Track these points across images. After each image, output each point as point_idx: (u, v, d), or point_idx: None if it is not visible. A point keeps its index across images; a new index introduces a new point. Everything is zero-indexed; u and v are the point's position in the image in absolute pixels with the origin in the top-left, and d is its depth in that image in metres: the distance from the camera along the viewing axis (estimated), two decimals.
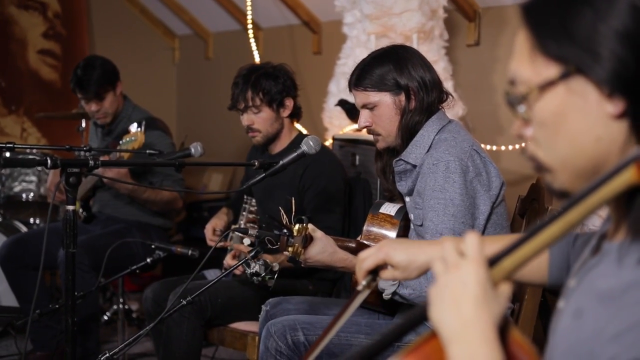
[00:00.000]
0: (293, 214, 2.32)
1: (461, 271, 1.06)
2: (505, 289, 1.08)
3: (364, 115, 2.58)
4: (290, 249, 2.31)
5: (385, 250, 1.67)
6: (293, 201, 2.37)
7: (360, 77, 2.55)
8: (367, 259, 1.67)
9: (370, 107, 2.55)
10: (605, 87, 1.01)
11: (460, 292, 1.04)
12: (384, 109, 2.53)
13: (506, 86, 1.12)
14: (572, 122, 1.05)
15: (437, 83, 2.55)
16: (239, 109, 3.30)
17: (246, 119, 3.30)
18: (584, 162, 1.06)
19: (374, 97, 2.53)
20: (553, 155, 1.08)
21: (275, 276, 2.72)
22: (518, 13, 1.10)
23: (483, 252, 1.07)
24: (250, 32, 5.20)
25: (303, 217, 2.30)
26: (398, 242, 1.74)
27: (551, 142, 1.08)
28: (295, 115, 3.38)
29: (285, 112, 3.31)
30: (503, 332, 1.07)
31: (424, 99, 2.50)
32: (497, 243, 1.63)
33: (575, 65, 1.03)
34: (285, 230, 2.30)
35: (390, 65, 2.51)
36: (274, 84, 3.25)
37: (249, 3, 5.12)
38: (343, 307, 1.69)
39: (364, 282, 1.67)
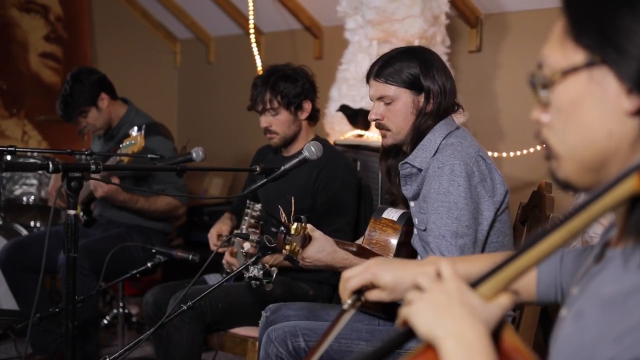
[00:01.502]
0: (292, 213, 2.31)
1: (442, 286, 1.08)
2: (503, 300, 1.08)
3: (377, 107, 2.54)
4: (287, 247, 2.30)
5: (372, 270, 1.59)
6: (293, 200, 2.36)
7: (384, 68, 2.50)
8: (352, 279, 1.59)
9: (387, 101, 2.52)
10: (627, 82, 1.02)
11: (446, 301, 1.06)
12: (401, 106, 2.50)
13: (533, 69, 1.13)
14: (587, 112, 1.06)
15: (454, 92, 2.54)
16: (257, 111, 3.31)
17: (264, 120, 3.31)
18: (591, 155, 1.07)
19: (394, 91, 2.49)
20: (563, 142, 1.09)
21: (273, 279, 2.71)
22: (559, 3, 1.12)
23: (457, 273, 1.09)
24: (252, 36, 5.19)
25: (302, 216, 2.30)
26: (385, 263, 1.64)
27: (564, 128, 1.09)
28: (313, 117, 3.38)
29: (303, 115, 3.32)
30: (501, 337, 1.07)
31: (441, 104, 2.49)
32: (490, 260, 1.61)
33: (601, 56, 1.04)
34: (282, 228, 2.29)
35: (417, 64, 2.48)
36: (293, 86, 3.26)
37: (250, 7, 5.12)
38: (329, 326, 1.59)
39: (349, 301, 1.58)
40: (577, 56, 1.07)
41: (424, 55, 2.52)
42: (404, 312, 1.09)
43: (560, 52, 1.09)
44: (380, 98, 2.53)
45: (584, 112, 1.06)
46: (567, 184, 1.11)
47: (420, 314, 1.06)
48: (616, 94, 1.03)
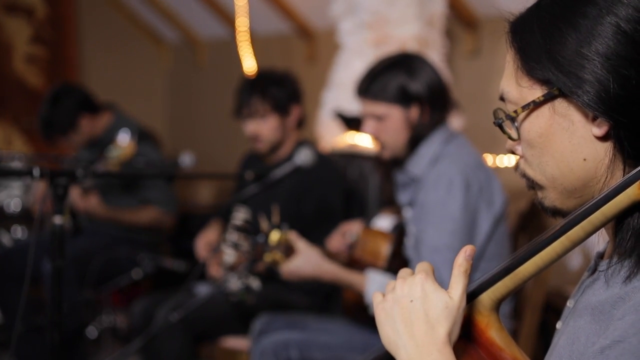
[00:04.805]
0: (276, 222, 2.25)
1: (408, 286, 1.07)
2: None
3: (370, 124, 2.51)
4: (266, 257, 2.24)
5: None
6: (276, 210, 2.31)
7: (370, 87, 2.46)
8: None
9: (378, 118, 2.48)
10: (589, 110, 1.03)
11: (408, 310, 1.05)
12: (392, 123, 2.46)
13: (497, 103, 1.13)
14: (558, 142, 1.07)
15: (446, 93, 2.50)
16: (244, 116, 3.23)
17: (251, 126, 3.24)
18: (572, 182, 1.07)
19: (383, 108, 2.46)
20: (543, 174, 1.10)
21: (255, 292, 2.64)
22: (505, 32, 1.11)
23: (432, 270, 1.09)
24: (243, 37, 5.14)
25: (281, 224, 2.24)
26: None
27: (539, 161, 1.09)
28: (300, 123, 3.32)
29: (291, 120, 3.26)
30: (484, 331, 1.08)
31: (435, 113, 2.44)
32: None
33: (558, 88, 1.05)
34: (259, 238, 2.24)
35: (402, 77, 2.43)
36: (281, 90, 3.21)
37: (242, 10, 5.06)
38: None
39: None
40: (535, 91, 1.07)
41: (408, 60, 2.50)
42: (379, 310, 1.09)
43: (517, 89, 1.09)
44: (371, 116, 2.48)
45: (555, 144, 1.07)
46: (555, 211, 1.12)
47: (384, 324, 1.07)
48: (582, 121, 1.05)
